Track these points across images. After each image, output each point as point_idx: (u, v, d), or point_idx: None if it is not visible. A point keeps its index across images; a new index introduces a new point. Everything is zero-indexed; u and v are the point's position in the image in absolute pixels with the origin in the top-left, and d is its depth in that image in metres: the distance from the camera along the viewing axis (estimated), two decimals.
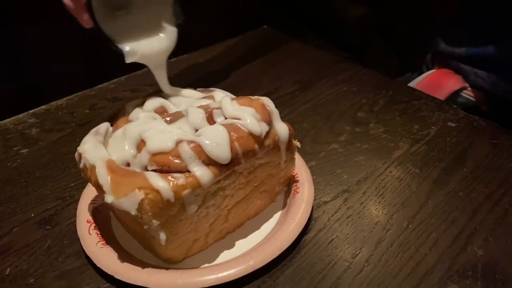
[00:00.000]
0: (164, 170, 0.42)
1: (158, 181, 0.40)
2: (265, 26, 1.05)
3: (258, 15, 1.31)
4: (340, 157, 0.62)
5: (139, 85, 0.83)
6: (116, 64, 0.92)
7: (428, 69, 0.94)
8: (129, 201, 0.40)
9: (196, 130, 0.45)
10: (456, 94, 0.86)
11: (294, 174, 0.55)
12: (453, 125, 0.67)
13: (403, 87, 0.81)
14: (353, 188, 0.56)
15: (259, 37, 1.01)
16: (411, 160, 0.60)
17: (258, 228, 0.52)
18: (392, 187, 0.56)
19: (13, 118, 0.75)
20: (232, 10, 1.29)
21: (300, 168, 0.56)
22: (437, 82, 0.88)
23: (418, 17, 1.21)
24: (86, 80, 0.87)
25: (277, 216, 0.53)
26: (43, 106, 0.78)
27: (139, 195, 0.39)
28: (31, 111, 0.77)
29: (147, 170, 0.43)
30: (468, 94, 0.86)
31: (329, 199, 0.55)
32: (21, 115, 0.76)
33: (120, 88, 0.83)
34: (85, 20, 0.50)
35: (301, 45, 0.96)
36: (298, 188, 0.53)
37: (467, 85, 0.86)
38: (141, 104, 0.51)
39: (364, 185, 0.57)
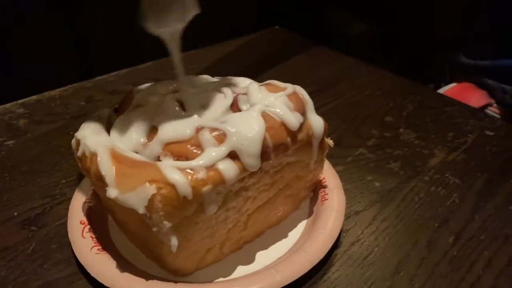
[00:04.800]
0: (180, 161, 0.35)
1: (174, 174, 0.33)
2: (277, 27, 0.99)
3: (263, 21, 1.26)
4: (370, 163, 0.55)
5: (140, 78, 0.75)
6: (115, 60, 0.86)
7: (445, 84, 0.89)
8: (137, 196, 0.33)
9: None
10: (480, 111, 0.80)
11: (320, 179, 0.48)
12: (491, 133, 0.60)
13: (432, 92, 0.75)
14: (386, 197, 0.50)
15: (272, 37, 0.96)
16: (450, 169, 0.54)
17: (280, 238, 0.45)
18: (431, 198, 0.49)
19: None
20: (241, 9, 1.24)
21: (328, 173, 0.49)
22: (458, 97, 0.82)
23: (428, 30, 1.16)
24: (82, 74, 0.80)
25: (301, 225, 0.46)
26: (33, 96, 0.71)
27: (150, 189, 0.32)
28: (20, 101, 0.70)
29: (159, 161, 0.35)
30: (493, 111, 0.80)
31: (361, 209, 0.48)
32: (8, 104, 0.69)
33: (120, 81, 0.76)
34: None
35: (315, 46, 0.90)
36: (327, 194, 0.46)
37: (492, 101, 0.80)
38: (152, 88, 0.43)
39: (400, 195, 0.50)
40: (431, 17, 1.13)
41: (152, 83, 0.45)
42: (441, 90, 0.86)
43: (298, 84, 0.48)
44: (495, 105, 0.80)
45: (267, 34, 0.97)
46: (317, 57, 0.86)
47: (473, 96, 0.82)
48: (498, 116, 0.79)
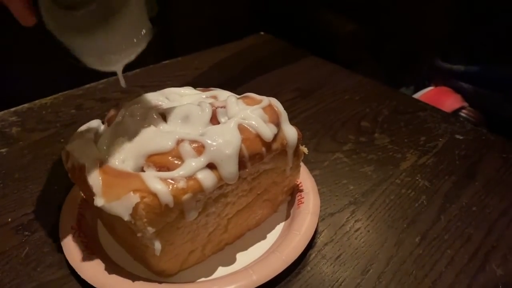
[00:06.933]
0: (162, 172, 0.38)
1: (156, 184, 0.36)
2: (262, 33, 1.02)
3: (252, 22, 1.28)
4: (345, 167, 0.58)
5: (129, 86, 0.78)
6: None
7: (425, 86, 0.92)
8: (122, 205, 0.35)
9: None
10: (454, 113, 0.84)
11: (298, 183, 0.52)
12: (461, 137, 0.64)
13: (407, 97, 0.78)
14: (360, 200, 0.53)
15: (256, 43, 0.98)
16: (420, 172, 0.57)
17: (259, 240, 0.47)
18: (401, 200, 0.53)
19: None
20: (227, 15, 1.26)
21: (304, 177, 0.52)
22: (434, 100, 0.84)
23: (410, 33, 1.19)
24: (72, 81, 0.82)
25: (279, 227, 0.49)
26: (25, 105, 0.73)
27: (134, 198, 0.35)
28: (12, 109, 0.72)
29: (143, 171, 0.38)
30: (467, 114, 0.83)
31: (335, 211, 0.51)
32: (0, 113, 0.71)
33: (109, 89, 0.78)
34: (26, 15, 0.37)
35: (299, 53, 0.93)
36: (303, 198, 0.49)
37: (466, 104, 0.84)
38: (138, 101, 0.46)
39: (372, 197, 0.53)
40: (414, 20, 1.16)
41: (138, 97, 0.48)
42: (419, 93, 0.89)
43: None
44: (469, 108, 0.83)
45: (252, 40, 0.99)
46: (301, 63, 0.89)
47: (449, 100, 0.85)
48: (471, 118, 0.82)
